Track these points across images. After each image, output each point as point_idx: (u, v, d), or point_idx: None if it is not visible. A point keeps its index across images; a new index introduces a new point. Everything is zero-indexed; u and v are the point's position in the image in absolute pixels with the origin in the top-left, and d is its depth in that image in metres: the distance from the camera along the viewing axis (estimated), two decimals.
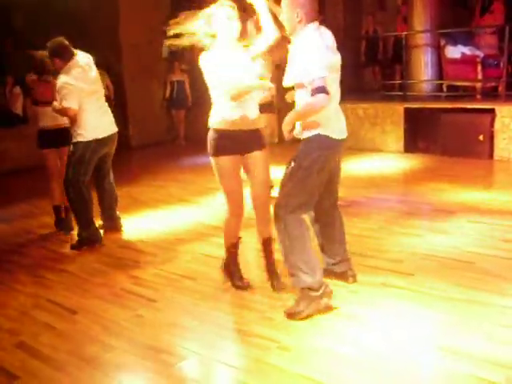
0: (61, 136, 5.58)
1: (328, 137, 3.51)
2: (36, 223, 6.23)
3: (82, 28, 10.97)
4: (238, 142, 3.74)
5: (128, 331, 3.57)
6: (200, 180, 7.89)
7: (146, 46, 11.59)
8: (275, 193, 4.86)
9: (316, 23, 3.48)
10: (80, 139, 5.14)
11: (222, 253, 4.81)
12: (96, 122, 5.19)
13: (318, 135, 3.49)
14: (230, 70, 3.63)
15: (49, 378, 3.13)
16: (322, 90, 3.24)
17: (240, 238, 4.11)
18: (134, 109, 11.52)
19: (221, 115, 3.73)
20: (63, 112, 5.11)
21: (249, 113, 3.76)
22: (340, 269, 4.03)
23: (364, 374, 2.92)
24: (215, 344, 3.38)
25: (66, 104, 5.01)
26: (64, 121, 5.44)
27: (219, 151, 3.74)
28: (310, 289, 3.52)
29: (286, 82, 3.54)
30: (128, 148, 11.15)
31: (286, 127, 3.44)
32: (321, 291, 3.53)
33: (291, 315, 3.55)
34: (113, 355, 3.30)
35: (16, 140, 9.71)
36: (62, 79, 5.05)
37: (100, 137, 5.19)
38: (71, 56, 5.15)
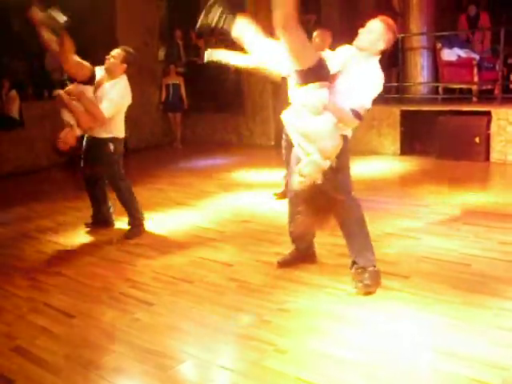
0: None
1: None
2: (33, 226, 6.21)
3: (78, 31, 10.96)
4: None
5: (126, 335, 3.57)
6: (197, 183, 7.89)
7: (142, 48, 11.59)
8: None
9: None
10: (117, 135, 5.61)
11: (218, 256, 4.84)
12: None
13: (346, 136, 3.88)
14: None
15: (45, 382, 3.12)
16: (360, 117, 3.68)
17: None
18: (130, 112, 11.47)
19: None
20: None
21: None
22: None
23: (361, 377, 2.92)
24: (212, 347, 3.38)
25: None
26: None
27: None
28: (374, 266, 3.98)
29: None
30: (125, 151, 11.12)
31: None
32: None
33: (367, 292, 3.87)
34: (110, 359, 3.29)
35: (13, 143, 9.71)
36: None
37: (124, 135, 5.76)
38: None
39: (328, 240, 4.87)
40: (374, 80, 3.74)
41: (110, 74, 5.39)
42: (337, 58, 3.90)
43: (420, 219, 5.59)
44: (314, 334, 3.41)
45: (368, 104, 3.72)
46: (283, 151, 6.33)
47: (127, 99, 5.55)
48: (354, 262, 4.04)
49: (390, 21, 3.78)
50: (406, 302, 3.73)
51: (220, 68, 12.36)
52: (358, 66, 3.72)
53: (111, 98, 5.33)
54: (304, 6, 12.32)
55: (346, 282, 4.08)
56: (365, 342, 3.27)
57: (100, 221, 5.90)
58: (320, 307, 3.75)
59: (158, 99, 11.88)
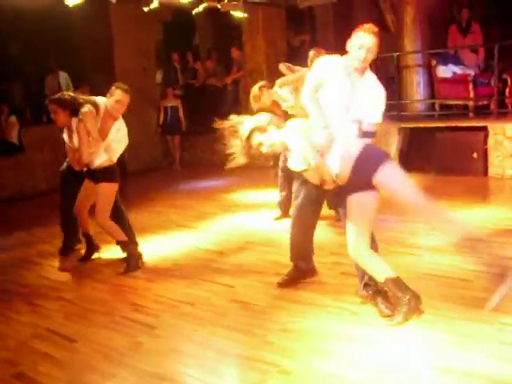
0: None
1: None
2: (33, 252, 6.21)
3: (76, 55, 11.07)
4: None
5: (128, 359, 3.55)
6: (197, 205, 7.90)
7: (139, 71, 11.68)
8: None
9: None
10: None
11: (220, 278, 4.84)
12: None
13: None
14: None
15: None
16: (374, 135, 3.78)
17: None
18: (129, 135, 11.52)
19: None
20: None
21: None
22: None
23: None
24: (216, 369, 3.36)
25: None
26: None
27: None
28: None
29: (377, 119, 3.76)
30: (124, 174, 11.15)
31: None
32: None
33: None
34: (113, 383, 3.28)
35: (12, 169, 9.74)
36: None
37: None
38: None
39: (329, 259, 4.89)
40: (382, 93, 3.78)
41: (117, 116, 5.49)
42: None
43: (420, 236, 5.59)
44: (317, 354, 3.40)
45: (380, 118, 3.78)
46: (279, 173, 6.40)
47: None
48: (366, 285, 3.98)
49: (374, 27, 3.69)
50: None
51: (217, 90, 12.45)
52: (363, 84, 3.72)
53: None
54: (299, 27, 12.49)
55: (348, 301, 4.08)
56: (368, 361, 3.25)
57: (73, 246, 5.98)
58: (323, 327, 3.74)
59: (157, 122, 11.93)
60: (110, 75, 11.16)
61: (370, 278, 3.88)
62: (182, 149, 11.85)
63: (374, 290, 3.92)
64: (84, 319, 4.26)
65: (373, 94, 3.74)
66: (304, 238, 4.43)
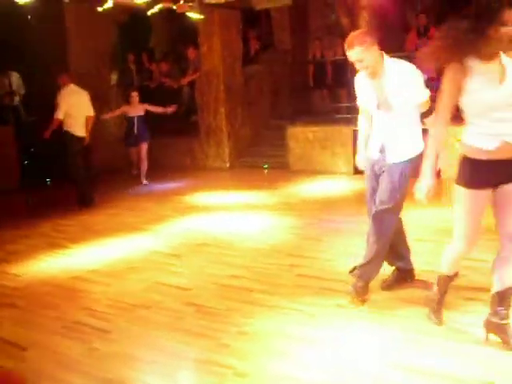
0: None
1: None
2: None
3: (28, 55, 10.84)
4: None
5: (83, 365, 3.48)
6: (154, 208, 7.82)
7: (94, 73, 11.50)
8: None
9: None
10: None
11: (175, 281, 4.79)
12: None
13: None
14: None
15: None
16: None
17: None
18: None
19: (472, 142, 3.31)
20: None
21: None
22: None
23: None
24: (171, 374, 3.33)
25: None
26: None
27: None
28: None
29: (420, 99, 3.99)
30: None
31: None
32: None
33: None
34: None
35: None
36: None
37: None
38: None
39: (286, 261, 4.89)
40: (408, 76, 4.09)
41: None
42: None
43: None
44: (273, 356, 3.40)
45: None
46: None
47: None
48: (355, 268, 4.13)
49: (349, 40, 3.91)
50: (366, 319, 3.76)
51: (173, 91, 12.29)
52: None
53: None
54: (256, 29, 12.54)
55: (304, 302, 4.09)
56: (324, 362, 3.27)
57: None
58: (279, 329, 3.74)
59: (119, 131, 11.27)
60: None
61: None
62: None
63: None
64: (36, 326, 4.15)
65: (400, 84, 3.96)
66: (396, 237, 4.27)
